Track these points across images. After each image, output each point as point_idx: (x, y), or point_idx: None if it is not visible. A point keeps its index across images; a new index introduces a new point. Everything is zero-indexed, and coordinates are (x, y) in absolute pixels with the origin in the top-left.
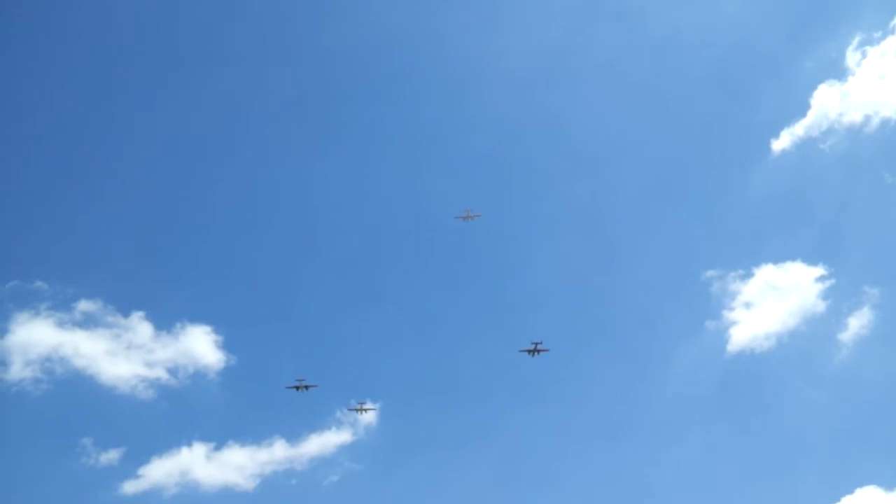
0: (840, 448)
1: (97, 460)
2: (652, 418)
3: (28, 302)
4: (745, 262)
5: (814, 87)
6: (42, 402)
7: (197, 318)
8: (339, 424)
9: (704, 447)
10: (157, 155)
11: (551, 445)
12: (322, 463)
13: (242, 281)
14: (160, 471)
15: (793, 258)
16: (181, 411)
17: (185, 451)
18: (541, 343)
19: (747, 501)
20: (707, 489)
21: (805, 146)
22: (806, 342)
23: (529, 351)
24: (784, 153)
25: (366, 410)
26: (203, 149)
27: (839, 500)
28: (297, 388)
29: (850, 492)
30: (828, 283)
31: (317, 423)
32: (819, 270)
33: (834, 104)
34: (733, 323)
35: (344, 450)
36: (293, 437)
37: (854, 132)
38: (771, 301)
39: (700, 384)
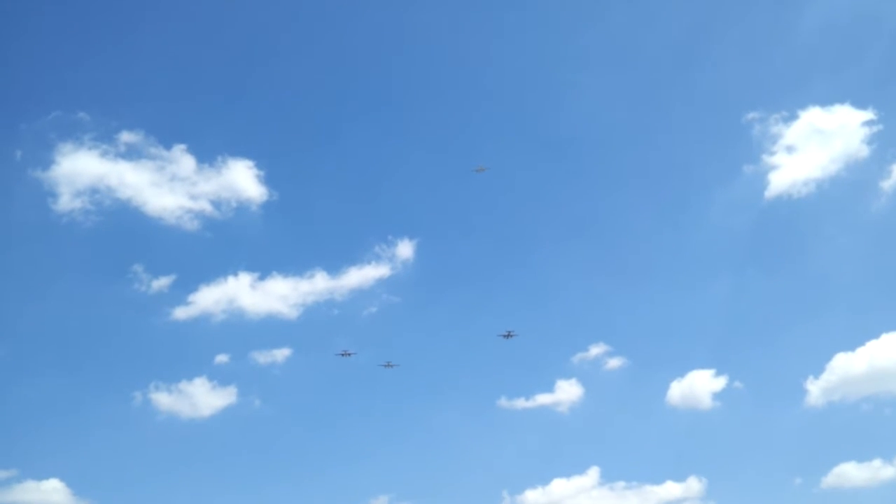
0: (869, 295)
1: (149, 286)
2: (683, 260)
3: (71, 133)
4: (790, 103)
5: None
6: (92, 232)
7: (238, 152)
8: (377, 259)
9: (733, 289)
10: None
11: (581, 282)
12: (361, 295)
13: (283, 115)
14: (208, 298)
15: (841, 101)
16: (226, 242)
17: (231, 280)
18: (512, 330)
19: (773, 343)
20: (732, 330)
21: None
22: (846, 189)
23: (504, 336)
24: None
25: None
26: None
27: (864, 345)
28: (343, 354)
29: (877, 336)
30: (875, 129)
31: (356, 256)
32: (867, 114)
33: None
34: (773, 168)
35: (382, 283)
36: (333, 269)
37: None
38: (814, 146)
39: (734, 229)
